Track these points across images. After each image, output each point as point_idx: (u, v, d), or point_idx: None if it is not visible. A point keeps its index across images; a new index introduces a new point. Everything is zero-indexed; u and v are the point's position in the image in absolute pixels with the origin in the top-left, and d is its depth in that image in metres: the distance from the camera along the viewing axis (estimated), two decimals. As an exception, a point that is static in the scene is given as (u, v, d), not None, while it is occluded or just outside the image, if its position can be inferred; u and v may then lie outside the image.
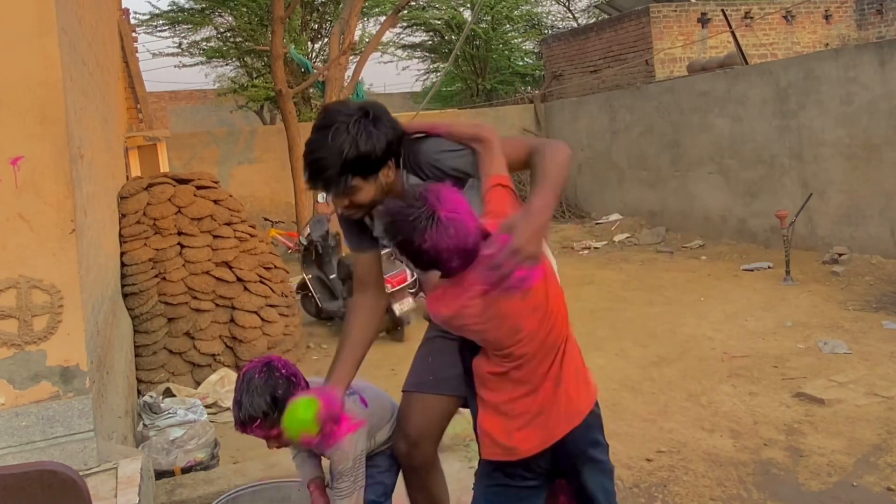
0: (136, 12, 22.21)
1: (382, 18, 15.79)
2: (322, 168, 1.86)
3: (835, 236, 8.18)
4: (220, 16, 16.90)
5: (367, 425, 2.25)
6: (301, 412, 1.95)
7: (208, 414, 4.52)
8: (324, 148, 1.85)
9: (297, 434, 1.96)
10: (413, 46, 20.94)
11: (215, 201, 5.94)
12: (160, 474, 3.50)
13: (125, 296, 5.22)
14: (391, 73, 59.75)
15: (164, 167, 8.69)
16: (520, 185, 13.88)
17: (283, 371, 2.10)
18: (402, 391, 2.31)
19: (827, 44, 14.18)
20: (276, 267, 6.13)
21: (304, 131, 12.05)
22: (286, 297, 6.11)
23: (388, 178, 1.93)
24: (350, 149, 1.84)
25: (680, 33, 13.20)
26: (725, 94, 9.61)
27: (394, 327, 6.65)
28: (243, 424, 2.07)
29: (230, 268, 5.71)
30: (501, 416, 1.88)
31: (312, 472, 2.35)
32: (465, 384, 2.03)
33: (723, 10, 12.84)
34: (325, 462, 2.32)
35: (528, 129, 14.02)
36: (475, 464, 3.52)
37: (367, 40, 15.96)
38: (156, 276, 5.40)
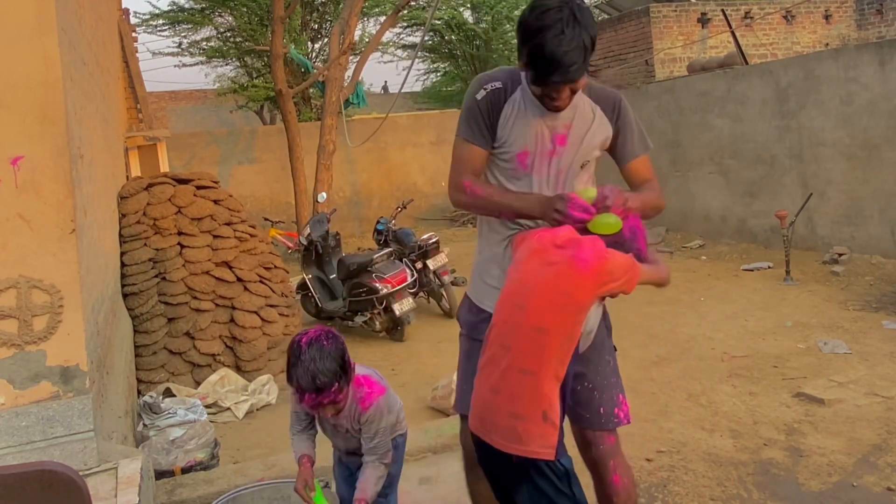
0: (136, 12, 22.22)
1: (382, 18, 15.79)
2: (579, 55, 1.96)
3: (835, 236, 8.18)
4: (220, 16, 16.90)
5: (388, 395, 2.41)
6: (607, 219, 2.08)
7: (208, 414, 4.53)
8: (574, 38, 1.94)
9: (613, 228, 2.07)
10: (413, 46, 20.94)
11: (215, 201, 5.93)
12: (160, 474, 3.51)
13: (125, 296, 5.22)
14: (391, 73, 59.74)
15: (164, 167, 8.70)
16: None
17: (340, 337, 2.23)
18: (461, 412, 2.41)
19: (827, 44, 14.18)
20: (276, 267, 6.13)
21: (304, 131, 12.11)
22: (286, 297, 6.11)
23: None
24: (588, 39, 1.97)
25: (680, 33, 13.20)
26: (725, 94, 9.61)
27: (394, 327, 6.65)
28: (319, 391, 2.13)
29: (230, 268, 5.71)
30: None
31: (307, 448, 2.49)
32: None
33: (723, 10, 12.84)
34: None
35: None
36: (475, 464, 3.52)
37: (367, 40, 15.97)
38: (156, 276, 5.40)
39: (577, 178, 2.25)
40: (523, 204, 2.13)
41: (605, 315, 2.38)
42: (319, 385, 2.12)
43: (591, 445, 2.32)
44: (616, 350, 2.44)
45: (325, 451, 2.99)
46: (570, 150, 2.21)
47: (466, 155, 2.23)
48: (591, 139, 2.24)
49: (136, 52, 10.21)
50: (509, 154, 2.21)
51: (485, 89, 2.20)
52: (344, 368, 2.17)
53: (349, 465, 2.64)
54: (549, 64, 1.96)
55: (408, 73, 12.26)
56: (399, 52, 20.75)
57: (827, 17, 14.51)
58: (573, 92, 2.08)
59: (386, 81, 29.19)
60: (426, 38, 20.60)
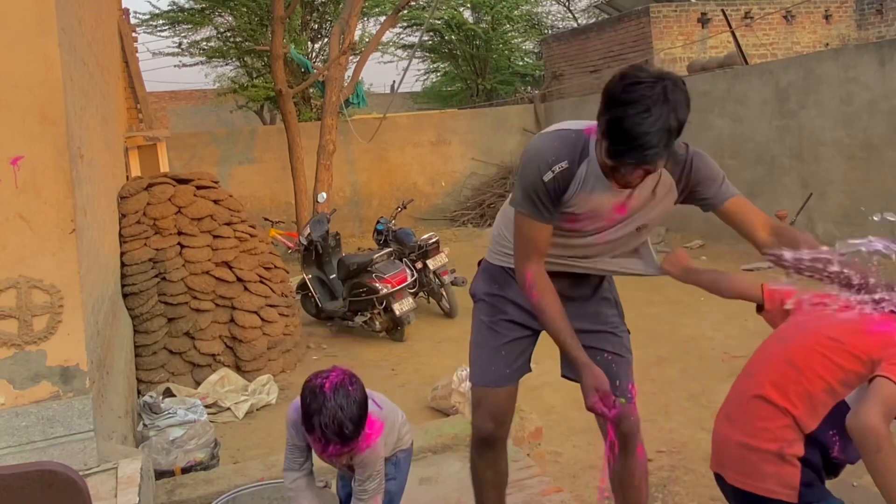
0: (136, 12, 22.20)
1: (382, 18, 15.79)
2: (663, 139, 1.85)
3: (835, 236, 8.17)
4: (220, 16, 16.90)
5: (387, 426, 2.29)
6: None
7: (208, 414, 4.52)
8: (646, 123, 1.80)
9: None
10: (413, 46, 20.95)
11: (215, 201, 5.94)
12: (160, 474, 3.50)
13: (125, 296, 5.22)
14: (391, 73, 59.74)
15: (164, 167, 8.69)
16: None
17: (360, 380, 2.11)
18: (481, 386, 2.40)
19: (827, 44, 14.18)
20: (276, 267, 6.13)
21: (304, 131, 12.09)
22: (286, 297, 6.11)
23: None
24: (673, 120, 1.86)
25: (680, 33, 13.21)
26: (725, 94, 9.61)
27: (394, 327, 6.65)
28: (346, 441, 2.00)
29: (230, 268, 5.71)
30: None
31: (309, 499, 2.32)
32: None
33: (723, 10, 12.84)
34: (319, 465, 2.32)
35: (527, 129, 14.02)
36: (475, 464, 3.52)
37: (367, 40, 15.97)
38: (156, 276, 5.40)
39: (633, 239, 2.23)
40: (571, 353, 2.11)
41: (616, 303, 2.44)
42: (348, 434, 2.00)
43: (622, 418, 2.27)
44: (629, 333, 2.45)
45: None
46: (628, 219, 2.16)
47: (531, 233, 2.13)
48: (648, 211, 2.15)
49: (136, 52, 10.20)
50: (568, 217, 2.16)
51: (552, 171, 2.04)
52: (366, 414, 2.06)
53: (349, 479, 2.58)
54: (626, 142, 1.82)
55: (404, 73, 12.26)
56: (399, 52, 20.76)
57: (827, 17, 14.52)
58: (647, 173, 1.94)
59: (394, 81, 29.26)
60: (426, 38, 20.62)
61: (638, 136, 1.79)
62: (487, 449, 2.46)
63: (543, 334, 2.29)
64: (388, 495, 2.40)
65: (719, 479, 1.97)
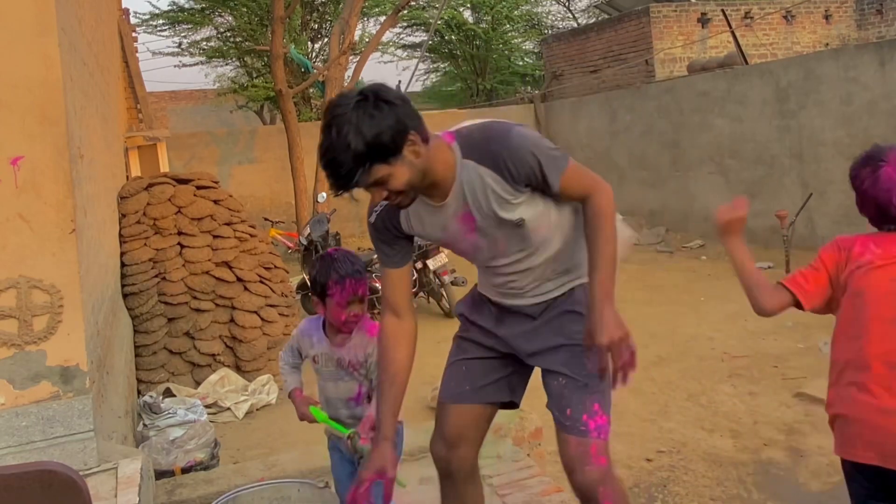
0: (136, 12, 22.22)
1: (382, 18, 15.79)
2: (337, 168, 1.69)
3: (835, 236, 8.17)
4: (220, 16, 16.91)
5: None
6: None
7: (208, 414, 4.53)
8: (332, 147, 1.68)
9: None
10: (413, 46, 20.95)
11: (215, 201, 5.93)
12: (160, 474, 3.50)
13: (125, 296, 5.22)
14: (391, 73, 59.75)
15: (164, 167, 8.70)
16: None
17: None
18: (439, 402, 2.23)
19: (827, 44, 14.18)
20: (276, 267, 6.12)
21: (304, 131, 12.08)
22: (286, 297, 6.11)
23: (417, 154, 1.74)
24: (356, 139, 1.66)
25: (680, 33, 13.20)
26: (725, 94, 9.61)
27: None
28: (359, 275, 2.31)
29: (230, 268, 5.71)
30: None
31: (297, 382, 2.54)
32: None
33: (723, 10, 12.84)
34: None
35: (528, 129, 14.02)
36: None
37: (367, 40, 15.96)
38: (156, 276, 5.40)
39: (535, 261, 2.00)
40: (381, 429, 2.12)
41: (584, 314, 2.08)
42: (359, 270, 2.31)
43: (561, 452, 2.00)
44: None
45: (323, 452, 2.99)
46: (489, 238, 1.95)
47: (383, 283, 2.09)
48: (498, 225, 1.91)
49: (136, 52, 10.21)
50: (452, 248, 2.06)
51: (375, 211, 1.98)
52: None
53: (342, 451, 2.58)
54: (324, 167, 1.72)
55: (413, 73, 12.28)
56: (399, 52, 20.77)
57: (827, 17, 14.52)
58: (396, 193, 1.78)
59: (399, 81, 29.32)
60: (426, 38, 20.63)
61: (325, 161, 1.70)
62: (445, 480, 2.20)
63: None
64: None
65: (876, 472, 1.88)
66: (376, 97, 1.70)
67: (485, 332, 2.16)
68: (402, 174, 1.74)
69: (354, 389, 2.43)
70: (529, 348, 2.06)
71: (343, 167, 1.68)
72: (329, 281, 2.29)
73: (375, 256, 2.12)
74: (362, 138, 1.66)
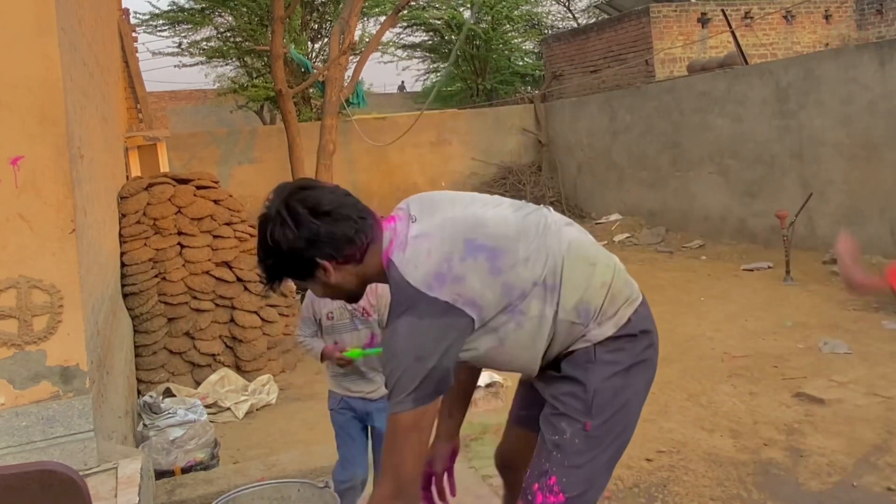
0: (136, 12, 22.22)
1: (382, 18, 15.79)
2: (262, 274, 1.75)
3: (835, 236, 8.12)
4: (220, 16, 16.90)
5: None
6: None
7: (208, 414, 4.53)
8: (258, 252, 1.72)
9: None
10: (413, 46, 20.95)
11: (215, 201, 5.94)
12: (160, 474, 3.51)
13: (125, 296, 5.22)
14: (391, 73, 59.76)
15: (164, 167, 8.70)
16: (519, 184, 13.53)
17: None
18: (507, 419, 2.18)
19: (827, 44, 14.18)
20: (276, 267, 6.12)
21: (304, 131, 12.06)
22: (286, 297, 6.11)
23: (328, 278, 1.69)
24: (265, 257, 1.69)
25: (680, 33, 13.20)
26: (725, 94, 9.61)
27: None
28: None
29: (230, 268, 5.71)
30: None
31: (321, 343, 2.68)
32: None
33: (723, 10, 12.84)
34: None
35: (527, 130, 14.02)
36: (475, 464, 3.52)
37: (367, 40, 15.96)
38: (156, 276, 5.40)
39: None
40: None
41: (579, 382, 1.80)
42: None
43: None
44: (588, 430, 1.78)
45: (323, 452, 3.00)
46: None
47: None
48: None
49: (136, 52, 10.21)
50: None
51: None
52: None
53: (355, 409, 2.70)
54: None
55: (427, 75, 12.25)
56: (399, 52, 20.76)
57: (827, 17, 14.52)
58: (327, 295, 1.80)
59: (403, 81, 29.39)
60: (426, 38, 20.64)
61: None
62: (505, 487, 2.19)
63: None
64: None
65: None
66: (292, 213, 1.64)
67: None
68: (317, 289, 1.75)
69: (368, 335, 2.59)
70: (541, 393, 1.92)
71: (261, 275, 1.75)
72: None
73: None
74: (261, 258, 1.70)
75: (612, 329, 1.79)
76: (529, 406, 2.00)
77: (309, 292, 2.61)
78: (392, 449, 1.62)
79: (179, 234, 5.62)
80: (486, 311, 1.67)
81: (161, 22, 16.55)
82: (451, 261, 1.64)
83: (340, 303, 2.47)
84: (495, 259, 1.67)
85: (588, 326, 1.78)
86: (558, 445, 1.77)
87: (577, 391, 1.78)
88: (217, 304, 5.58)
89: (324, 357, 2.62)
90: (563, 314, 1.74)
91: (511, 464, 2.10)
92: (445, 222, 1.71)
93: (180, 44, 17.26)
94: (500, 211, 1.79)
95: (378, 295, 2.50)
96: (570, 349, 1.80)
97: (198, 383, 5.29)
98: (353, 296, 1.81)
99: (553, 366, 1.83)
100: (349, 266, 1.69)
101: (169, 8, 16.57)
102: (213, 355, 5.47)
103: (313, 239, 1.64)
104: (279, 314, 5.88)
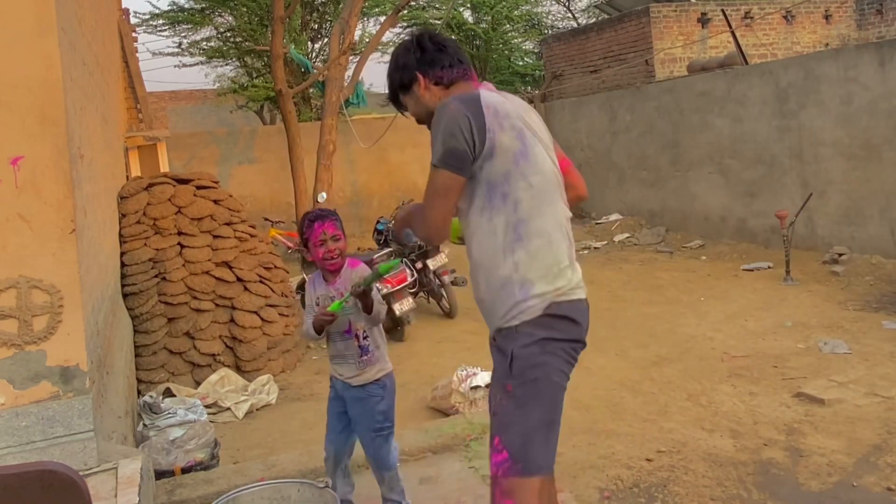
0: (136, 12, 22.20)
1: (382, 18, 15.79)
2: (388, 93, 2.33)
3: (835, 236, 8.18)
4: (220, 16, 16.91)
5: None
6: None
7: (208, 414, 4.53)
8: (387, 73, 2.29)
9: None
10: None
11: (215, 201, 5.94)
12: (160, 474, 3.50)
13: (125, 296, 5.22)
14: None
15: (164, 167, 8.70)
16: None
17: None
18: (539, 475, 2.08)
19: (827, 44, 14.18)
20: (276, 267, 6.13)
21: (304, 131, 12.07)
22: (286, 297, 6.11)
23: (420, 91, 2.22)
24: (387, 75, 2.29)
25: (680, 33, 13.21)
26: (725, 94, 9.61)
27: (394, 327, 6.65)
28: (324, 218, 2.91)
29: (230, 268, 5.71)
30: None
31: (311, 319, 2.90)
32: None
33: (723, 10, 12.84)
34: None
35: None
36: (475, 464, 3.53)
37: (367, 40, 15.96)
38: (156, 276, 5.40)
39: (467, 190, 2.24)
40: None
41: (505, 353, 2.01)
42: (326, 214, 2.87)
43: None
44: (510, 391, 1.99)
45: (323, 452, 3.00)
46: None
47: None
48: None
49: (136, 52, 10.21)
50: None
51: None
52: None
53: (337, 391, 2.93)
54: None
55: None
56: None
57: (827, 17, 14.52)
58: (408, 107, 2.33)
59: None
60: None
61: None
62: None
63: None
64: (380, 415, 2.83)
65: None
66: (405, 48, 2.24)
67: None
68: (411, 105, 2.28)
69: (346, 324, 2.84)
70: None
71: (389, 89, 2.31)
72: (304, 227, 2.87)
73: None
74: (389, 78, 2.29)
75: (539, 308, 2.00)
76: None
77: (307, 286, 3.03)
78: (427, 199, 2.07)
79: (179, 234, 5.62)
80: (496, 153, 2.02)
81: (161, 22, 16.56)
82: (508, 119, 2.05)
83: (323, 288, 2.91)
84: (523, 155, 2.06)
85: (505, 312, 2.02)
86: (495, 413, 2.04)
87: (502, 359, 2.03)
88: (217, 304, 5.58)
89: (315, 325, 2.81)
90: (512, 257, 2.02)
91: None
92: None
93: (180, 44, 17.27)
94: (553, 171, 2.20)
95: (354, 284, 2.77)
96: (500, 323, 2.04)
97: (198, 383, 5.29)
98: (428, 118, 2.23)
99: (492, 338, 2.11)
100: (437, 88, 2.21)
101: (169, 8, 16.58)
102: (213, 355, 5.47)
103: (419, 58, 2.21)
104: (279, 314, 5.88)
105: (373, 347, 2.85)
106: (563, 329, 2.01)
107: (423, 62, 2.20)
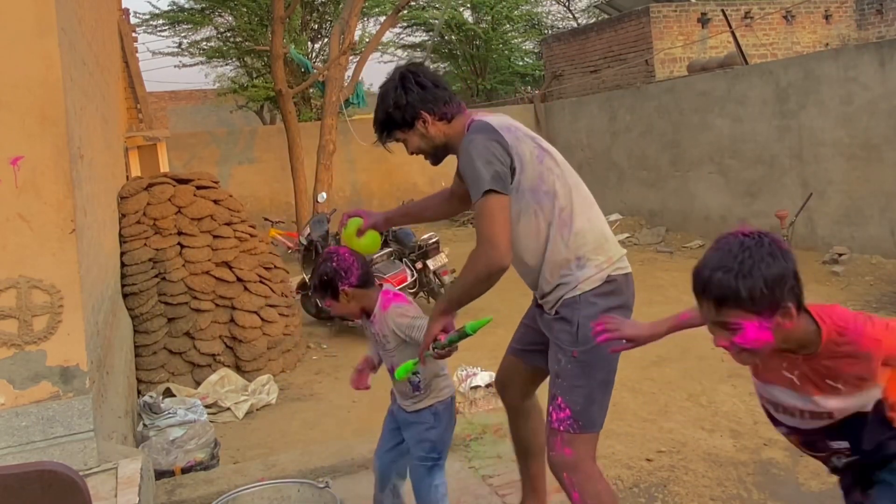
0: (136, 12, 22.22)
1: (382, 18, 15.79)
2: (375, 127, 2.40)
3: (835, 236, 8.18)
4: (220, 16, 16.91)
5: (407, 309, 2.59)
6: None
7: (208, 414, 4.53)
8: (375, 111, 2.38)
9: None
10: (413, 46, 20.95)
11: (215, 201, 5.94)
12: (160, 474, 3.50)
13: (125, 296, 5.22)
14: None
15: (164, 167, 8.70)
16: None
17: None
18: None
19: (827, 44, 14.18)
20: (276, 267, 6.13)
21: (304, 131, 12.08)
22: (286, 297, 6.11)
23: (426, 129, 2.33)
24: (380, 112, 2.36)
25: (680, 33, 13.21)
26: (725, 94, 9.61)
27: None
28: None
29: (230, 268, 5.71)
30: None
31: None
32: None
33: (723, 10, 12.84)
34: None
35: (528, 129, 14.02)
36: (475, 464, 3.52)
37: (367, 40, 15.96)
38: (156, 276, 5.40)
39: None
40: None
41: (571, 321, 2.28)
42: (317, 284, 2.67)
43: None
44: (575, 356, 2.27)
45: (323, 452, 2.99)
46: None
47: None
48: None
49: (136, 52, 10.21)
50: None
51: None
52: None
53: (397, 417, 2.71)
54: None
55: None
56: (399, 52, 20.77)
57: (827, 17, 14.52)
58: (414, 151, 2.43)
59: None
60: (426, 38, 20.61)
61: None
62: (506, 411, 2.71)
63: None
64: (427, 443, 2.59)
65: None
66: (403, 81, 2.32)
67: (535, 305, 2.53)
68: (414, 141, 2.38)
69: (390, 363, 2.65)
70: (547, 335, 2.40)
71: (377, 129, 2.40)
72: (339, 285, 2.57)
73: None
74: (383, 112, 2.36)
75: (598, 279, 2.27)
76: (521, 341, 2.61)
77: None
78: (488, 224, 2.14)
79: (179, 234, 5.62)
80: (525, 162, 2.24)
81: (161, 22, 16.57)
82: (517, 130, 2.30)
83: (370, 327, 2.67)
84: (540, 151, 2.30)
85: (569, 279, 2.27)
86: (558, 375, 2.30)
87: (567, 328, 2.27)
88: (217, 304, 5.57)
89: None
90: (562, 240, 2.26)
91: (505, 384, 2.68)
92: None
93: (180, 44, 17.29)
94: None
95: (391, 328, 2.57)
96: (558, 294, 2.28)
97: (198, 383, 5.29)
98: (437, 154, 2.42)
99: (551, 311, 2.33)
100: (441, 123, 2.33)
101: (169, 8, 16.59)
102: (213, 355, 5.47)
103: (421, 96, 2.31)
104: (279, 314, 5.88)
105: (424, 384, 2.60)
106: (618, 297, 2.31)
107: (427, 100, 2.31)
